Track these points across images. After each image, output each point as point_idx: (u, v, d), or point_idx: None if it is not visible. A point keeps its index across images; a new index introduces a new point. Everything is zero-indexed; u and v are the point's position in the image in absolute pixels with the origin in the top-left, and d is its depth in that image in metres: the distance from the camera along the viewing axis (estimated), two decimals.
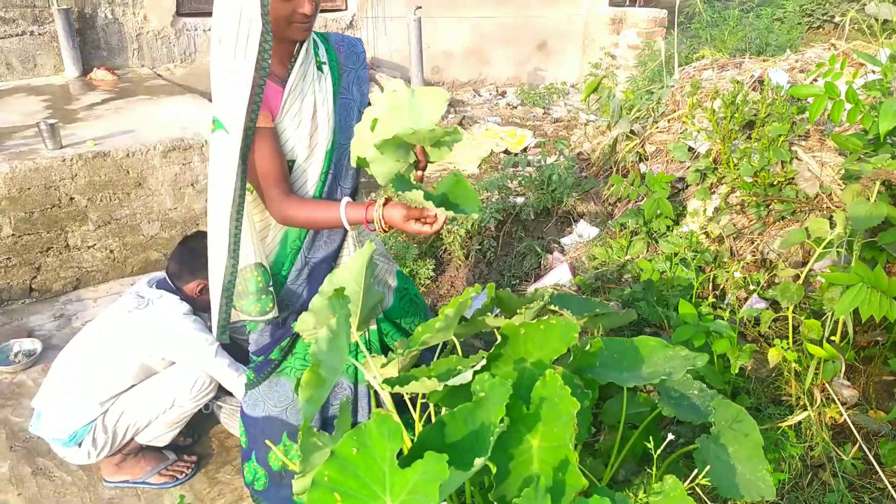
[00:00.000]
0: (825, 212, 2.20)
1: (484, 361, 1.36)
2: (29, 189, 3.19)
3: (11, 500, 2.25)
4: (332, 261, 1.86)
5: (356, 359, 1.88)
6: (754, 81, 2.74)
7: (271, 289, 1.80)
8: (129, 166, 3.41)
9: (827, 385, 1.84)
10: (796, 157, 2.37)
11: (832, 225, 1.88)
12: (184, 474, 2.36)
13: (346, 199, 1.65)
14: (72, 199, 3.31)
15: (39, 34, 4.88)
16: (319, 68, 1.72)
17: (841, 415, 1.81)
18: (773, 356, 1.89)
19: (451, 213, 1.55)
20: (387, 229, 1.60)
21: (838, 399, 1.83)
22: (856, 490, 1.73)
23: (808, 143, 2.43)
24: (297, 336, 1.89)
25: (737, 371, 1.98)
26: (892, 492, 1.66)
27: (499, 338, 1.44)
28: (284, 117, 1.65)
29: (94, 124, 3.77)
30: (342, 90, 1.75)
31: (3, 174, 3.11)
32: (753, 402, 1.98)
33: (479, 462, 1.11)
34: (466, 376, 1.28)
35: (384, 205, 1.58)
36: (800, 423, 1.86)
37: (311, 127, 1.69)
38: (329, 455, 1.14)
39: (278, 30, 1.54)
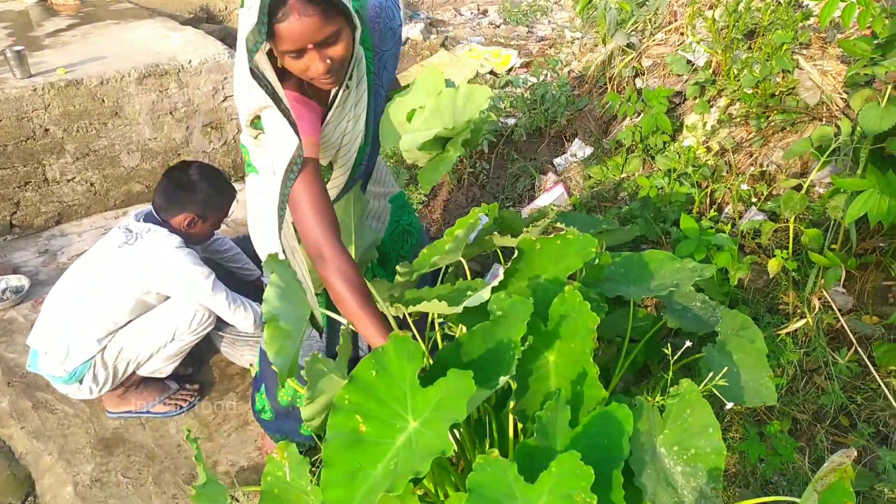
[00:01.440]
0: (826, 122, 2.18)
1: (501, 277, 1.35)
2: (0, 121, 3.04)
3: (15, 434, 2.26)
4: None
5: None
6: None
7: None
8: (104, 95, 3.25)
9: (825, 292, 1.87)
10: (798, 67, 2.32)
11: (836, 133, 1.86)
12: (187, 402, 2.38)
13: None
14: (46, 130, 3.18)
15: None
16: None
17: (837, 320, 1.85)
18: (773, 266, 1.91)
19: None
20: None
21: (835, 305, 1.87)
22: (849, 391, 1.79)
23: (810, 52, 2.37)
24: None
25: (735, 283, 2.00)
26: (885, 390, 1.71)
27: (515, 252, 1.42)
28: (326, 127, 1.49)
29: (62, 51, 3.57)
30: (374, 77, 1.60)
31: None
32: (751, 312, 2.01)
33: (502, 379, 1.11)
34: (484, 295, 1.26)
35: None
36: (796, 330, 1.90)
37: (354, 132, 1.56)
38: (349, 379, 1.13)
39: (303, 78, 1.38)
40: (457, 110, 1.55)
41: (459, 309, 1.26)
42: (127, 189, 3.53)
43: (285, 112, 1.35)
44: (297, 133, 1.35)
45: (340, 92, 1.47)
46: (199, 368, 2.54)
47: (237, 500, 2.02)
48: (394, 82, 1.78)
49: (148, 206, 2.29)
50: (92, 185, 3.42)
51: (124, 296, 2.15)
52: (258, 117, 1.42)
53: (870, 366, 1.71)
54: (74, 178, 3.35)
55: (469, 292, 1.36)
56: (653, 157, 2.62)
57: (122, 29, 4.02)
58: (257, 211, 1.75)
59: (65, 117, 3.19)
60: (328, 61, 1.32)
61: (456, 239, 1.57)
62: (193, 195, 2.21)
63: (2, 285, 2.90)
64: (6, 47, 3.13)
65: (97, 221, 3.42)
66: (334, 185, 1.65)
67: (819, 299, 1.86)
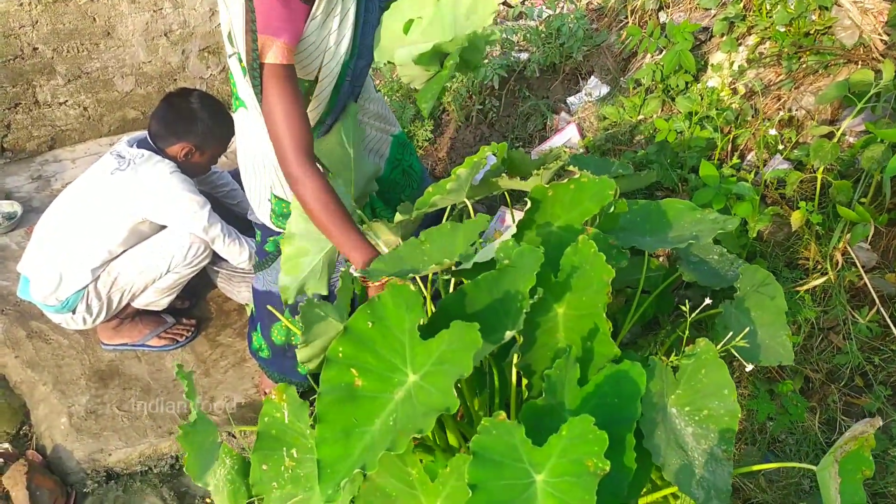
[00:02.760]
0: (863, 65, 2.03)
1: (514, 230, 1.26)
2: None
3: (10, 363, 2.23)
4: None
5: None
6: None
7: None
8: (95, 13, 3.08)
9: (849, 248, 1.78)
10: (836, 3, 2.15)
11: (877, 78, 1.73)
12: (184, 337, 2.33)
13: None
14: (35, 49, 3.02)
15: None
16: None
17: (860, 278, 1.76)
18: (797, 219, 1.81)
19: None
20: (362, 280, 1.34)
21: (858, 262, 1.78)
22: (866, 352, 1.73)
23: None
24: None
25: (755, 235, 1.91)
26: None
27: (529, 203, 1.33)
28: (307, 38, 1.38)
29: None
30: None
31: None
32: (769, 266, 1.93)
33: (509, 333, 1.04)
34: (495, 248, 1.18)
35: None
36: (816, 286, 1.82)
37: (335, 49, 1.43)
38: (342, 331, 1.06)
39: None
40: (458, 22, 1.41)
41: (469, 265, 1.17)
42: (122, 115, 3.40)
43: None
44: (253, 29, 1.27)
45: None
46: (195, 303, 2.49)
47: (234, 437, 2.00)
48: None
49: (143, 132, 2.18)
50: (85, 109, 3.28)
51: (118, 224, 2.07)
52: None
53: (891, 326, 1.64)
54: (67, 101, 3.21)
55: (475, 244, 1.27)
56: (673, 99, 2.48)
57: None
58: (246, 147, 1.64)
59: (54, 36, 3.03)
60: None
61: (459, 178, 1.47)
62: (193, 125, 2.10)
63: None
64: None
65: (91, 148, 3.31)
66: (317, 102, 1.53)
67: (842, 255, 1.77)
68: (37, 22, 2.97)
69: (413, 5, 1.46)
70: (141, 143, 2.13)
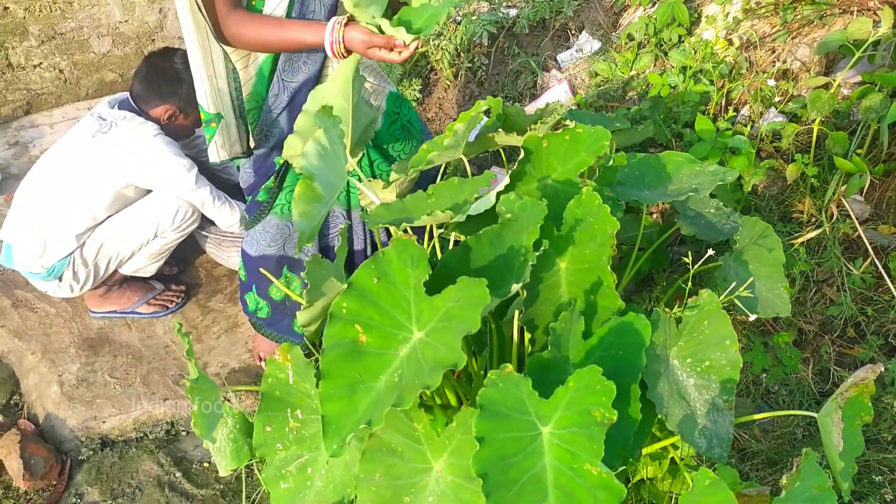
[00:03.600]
0: (859, 14, 2.01)
1: (507, 181, 1.24)
2: None
3: None
4: (313, 83, 1.63)
5: (348, 183, 1.74)
6: None
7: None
8: None
9: (843, 200, 1.78)
10: None
11: (875, 25, 1.70)
12: (174, 303, 2.30)
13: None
14: (6, 8, 2.90)
15: None
16: None
17: (854, 230, 1.77)
18: (792, 172, 1.81)
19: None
20: (345, 54, 1.40)
21: (853, 214, 1.79)
22: (859, 303, 1.74)
23: None
24: (286, 169, 1.72)
25: (749, 189, 1.90)
26: None
27: (521, 153, 1.30)
28: None
29: None
30: None
31: None
32: (763, 219, 1.93)
33: (515, 287, 1.02)
34: (490, 199, 1.16)
35: (345, 24, 1.37)
36: (810, 239, 1.83)
37: None
38: (346, 286, 1.04)
39: None
40: None
41: (462, 218, 1.15)
42: (99, 77, 3.29)
43: None
44: None
45: None
46: (184, 269, 2.45)
47: (229, 401, 1.99)
48: None
49: (124, 94, 2.11)
50: (61, 71, 3.17)
51: (101, 189, 2.01)
52: None
53: (885, 276, 1.65)
54: (41, 63, 3.10)
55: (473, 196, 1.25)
56: (666, 53, 2.44)
57: None
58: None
59: None
60: None
61: (455, 134, 1.44)
62: (177, 86, 2.03)
63: None
64: None
65: (69, 112, 3.21)
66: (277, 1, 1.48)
67: (837, 207, 1.77)
68: None
69: None
70: (122, 105, 2.06)
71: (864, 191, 1.77)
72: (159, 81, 2.03)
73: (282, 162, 1.68)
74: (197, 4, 1.38)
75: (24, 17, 2.96)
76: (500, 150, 1.71)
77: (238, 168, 1.83)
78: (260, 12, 1.46)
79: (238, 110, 1.58)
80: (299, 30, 1.42)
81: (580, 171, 1.28)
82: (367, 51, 1.37)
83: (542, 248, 1.06)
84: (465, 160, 1.57)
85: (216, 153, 1.63)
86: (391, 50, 1.36)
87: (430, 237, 1.49)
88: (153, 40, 3.34)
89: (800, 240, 1.78)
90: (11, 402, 2.06)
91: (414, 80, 3.19)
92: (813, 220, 1.83)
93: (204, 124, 1.59)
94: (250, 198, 1.82)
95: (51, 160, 2.08)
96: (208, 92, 1.53)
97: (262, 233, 1.83)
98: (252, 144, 1.68)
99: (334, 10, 1.55)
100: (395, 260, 1.05)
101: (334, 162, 1.29)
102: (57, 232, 2.00)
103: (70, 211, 2.00)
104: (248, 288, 1.95)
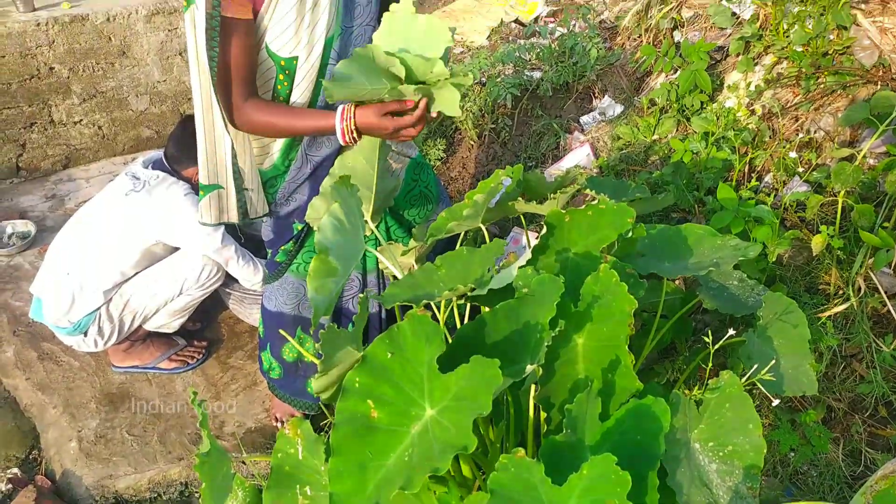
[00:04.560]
0: (882, 85, 2.00)
1: (529, 255, 1.24)
2: (3, 57, 2.92)
3: (20, 385, 2.22)
4: (336, 156, 1.65)
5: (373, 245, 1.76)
6: None
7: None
8: (111, 32, 3.11)
9: (872, 273, 1.74)
10: (855, 23, 2.13)
11: None
12: (195, 359, 2.32)
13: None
14: (52, 68, 3.05)
15: None
16: None
17: (883, 304, 1.72)
18: (817, 243, 1.78)
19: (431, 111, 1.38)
20: (357, 138, 1.42)
21: (881, 288, 1.74)
22: (891, 381, 1.68)
23: (869, 7, 2.17)
24: (307, 232, 1.75)
25: (774, 259, 1.87)
26: None
27: (544, 227, 1.30)
28: (279, 5, 1.35)
29: None
30: None
31: None
32: (789, 290, 1.89)
33: (529, 368, 1.01)
34: (512, 273, 1.16)
35: (355, 108, 1.40)
36: (837, 313, 1.78)
37: (312, 17, 1.40)
38: (360, 360, 1.04)
39: None
40: (410, 41, 1.36)
41: (483, 291, 1.15)
42: (136, 133, 3.42)
43: None
44: None
45: None
46: (207, 324, 2.47)
47: (244, 464, 1.98)
48: None
49: (158, 153, 2.19)
50: (100, 128, 3.30)
51: (131, 246, 2.07)
52: None
53: None
54: (81, 120, 3.23)
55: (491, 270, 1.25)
56: (688, 119, 2.45)
57: None
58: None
59: (70, 55, 3.06)
60: None
61: (475, 204, 1.45)
62: None
63: (8, 230, 2.83)
64: None
65: (105, 166, 3.33)
66: (302, 85, 1.49)
67: (864, 281, 1.73)
68: (53, 42, 3.00)
69: (386, 19, 1.41)
70: (156, 165, 2.13)
71: (893, 264, 1.73)
72: (192, 144, 2.09)
73: (300, 227, 1.70)
74: (211, 91, 1.39)
75: (69, 77, 3.10)
76: (521, 214, 1.72)
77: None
78: (286, 97, 1.49)
79: (238, 185, 1.57)
80: (310, 119, 1.44)
81: (602, 245, 1.28)
82: (381, 119, 1.37)
83: (557, 329, 1.05)
84: (483, 228, 1.58)
85: (206, 215, 1.61)
86: (404, 115, 1.36)
87: (448, 303, 1.49)
88: (189, 99, 3.47)
89: (827, 313, 1.73)
90: (30, 456, 2.07)
91: (438, 139, 3.25)
92: (840, 292, 1.79)
93: (200, 189, 1.60)
94: (270, 252, 1.84)
95: (85, 216, 2.14)
96: (205, 164, 1.54)
97: (279, 290, 1.85)
98: (269, 209, 1.69)
99: None
100: (410, 335, 1.05)
101: (351, 233, 1.30)
102: (85, 287, 2.05)
103: (100, 266, 2.05)
104: (264, 346, 1.96)
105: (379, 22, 1.47)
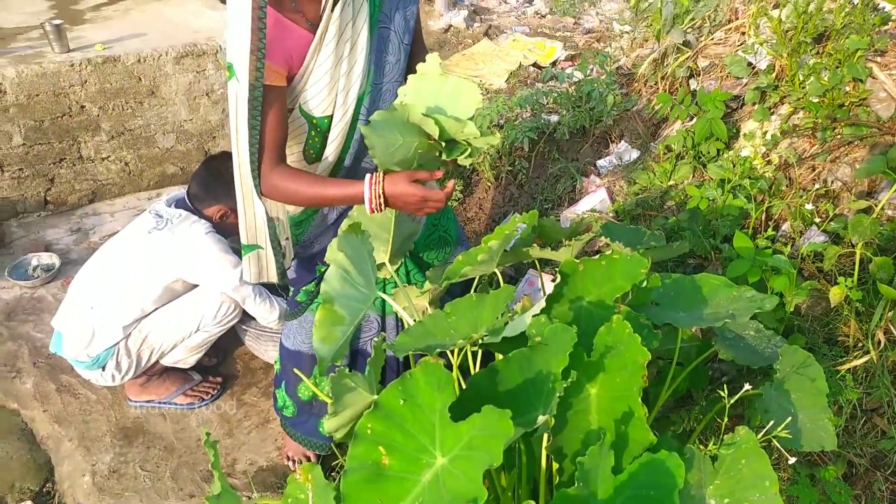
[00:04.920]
0: None
1: (543, 304, 1.25)
2: (38, 96, 3.02)
3: (38, 417, 2.24)
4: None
5: (384, 290, 1.77)
6: None
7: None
8: (141, 73, 3.21)
9: (892, 326, 1.72)
10: (871, 76, 2.14)
11: None
12: (209, 395, 2.33)
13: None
14: (83, 107, 3.15)
15: None
16: None
17: None
18: (836, 295, 1.76)
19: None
20: (383, 207, 1.39)
21: None
22: None
23: (885, 60, 2.19)
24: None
25: (791, 309, 1.86)
26: None
27: (557, 277, 1.31)
28: (314, 71, 1.38)
29: (102, 26, 3.54)
30: (381, 18, 1.46)
31: (9, 79, 2.94)
32: (807, 341, 1.87)
33: (541, 419, 1.01)
34: (524, 322, 1.16)
35: (383, 177, 1.37)
36: (857, 366, 1.75)
37: (346, 81, 1.43)
38: (373, 406, 1.04)
39: None
40: (440, 101, 1.39)
41: (497, 339, 1.16)
42: (161, 170, 3.50)
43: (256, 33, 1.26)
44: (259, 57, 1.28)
45: (332, 5, 1.33)
46: (222, 360, 2.49)
47: None
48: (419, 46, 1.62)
49: (181, 191, 2.24)
50: (126, 164, 3.39)
51: (152, 283, 2.11)
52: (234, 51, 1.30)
53: None
54: (109, 156, 3.32)
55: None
56: (704, 166, 2.47)
57: (162, 5, 3.98)
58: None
59: (101, 94, 3.16)
60: None
61: (490, 250, 1.47)
62: (230, 188, 2.13)
63: (33, 262, 2.90)
64: (46, 20, 3.10)
65: (130, 201, 3.40)
66: (334, 143, 1.51)
67: (885, 333, 1.71)
68: (86, 81, 3.11)
69: (412, 78, 1.45)
70: (179, 203, 2.18)
71: None
72: (214, 183, 2.15)
73: (323, 269, 1.73)
74: (249, 158, 1.40)
75: (98, 115, 3.20)
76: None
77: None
78: (318, 152, 1.50)
79: (275, 248, 1.58)
80: (337, 188, 1.41)
81: (616, 295, 1.28)
82: (410, 187, 1.34)
83: (570, 380, 1.05)
84: (497, 273, 1.59)
85: (246, 275, 1.63)
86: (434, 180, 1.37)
87: (461, 348, 1.50)
88: (214, 137, 3.56)
89: (846, 366, 1.71)
90: (45, 489, 2.08)
91: (456, 180, 3.29)
92: (860, 344, 1.77)
93: (242, 248, 1.63)
94: (292, 291, 1.87)
95: (109, 252, 2.19)
96: (244, 225, 1.56)
97: (298, 329, 1.87)
98: (295, 251, 1.72)
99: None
100: (423, 383, 1.06)
101: (360, 281, 1.32)
102: (105, 322, 2.08)
103: (120, 302, 2.09)
104: (279, 383, 1.97)
105: (405, 78, 1.52)
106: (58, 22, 3.08)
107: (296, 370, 1.82)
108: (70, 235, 3.15)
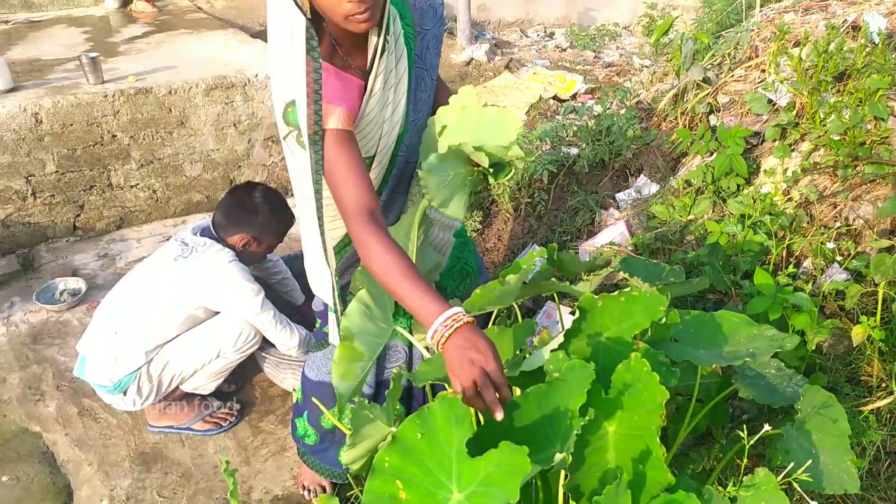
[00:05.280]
0: None
1: (561, 339, 1.25)
2: (71, 125, 3.12)
3: (59, 441, 2.27)
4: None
5: (408, 321, 1.79)
6: (847, 27, 2.47)
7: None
8: (172, 104, 3.31)
9: None
10: (892, 114, 2.14)
11: None
12: (227, 422, 2.35)
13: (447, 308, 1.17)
14: (114, 136, 3.25)
15: None
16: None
17: None
18: (858, 334, 1.75)
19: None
20: (441, 344, 1.14)
21: None
22: None
23: None
24: None
25: (813, 347, 1.84)
26: None
27: (576, 312, 1.32)
28: (365, 117, 1.42)
29: (136, 59, 3.67)
30: (416, 59, 1.51)
31: (46, 109, 3.05)
32: (830, 380, 1.85)
33: (558, 456, 1.01)
34: (542, 356, 1.17)
35: (460, 325, 1.14)
36: (880, 406, 1.73)
37: (389, 125, 1.47)
38: (391, 440, 1.05)
39: (336, 18, 1.26)
40: (482, 132, 1.44)
41: (515, 373, 1.17)
42: (187, 198, 3.58)
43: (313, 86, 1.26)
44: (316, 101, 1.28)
45: (380, 54, 1.36)
46: (241, 387, 2.51)
47: None
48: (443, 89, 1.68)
49: (206, 220, 2.29)
50: (154, 192, 3.47)
51: (175, 309, 2.15)
52: (293, 104, 1.31)
53: None
54: (138, 184, 3.41)
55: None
56: (724, 201, 2.47)
57: (194, 39, 4.11)
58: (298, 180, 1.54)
59: (132, 124, 3.26)
60: None
61: (508, 284, 1.48)
62: (254, 217, 2.20)
63: (60, 286, 2.96)
64: (83, 53, 3.22)
65: (156, 228, 3.47)
66: (374, 182, 1.54)
67: None
68: (118, 112, 3.20)
69: (450, 111, 1.50)
70: (204, 232, 2.23)
71: None
72: (238, 212, 2.20)
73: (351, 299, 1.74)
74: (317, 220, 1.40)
75: (129, 144, 3.30)
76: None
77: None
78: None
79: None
80: (415, 298, 1.19)
81: (634, 332, 1.29)
82: (481, 340, 1.11)
83: (588, 417, 1.05)
84: (515, 306, 1.60)
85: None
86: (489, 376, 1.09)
87: None
88: (239, 166, 3.64)
89: (869, 407, 1.69)
90: None
91: (475, 211, 3.32)
92: (883, 385, 1.74)
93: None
94: (319, 323, 1.89)
95: (136, 279, 2.24)
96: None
97: (322, 360, 1.88)
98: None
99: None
100: (441, 417, 1.07)
101: (380, 316, 1.33)
102: (129, 347, 2.12)
103: (144, 328, 2.13)
104: (300, 412, 1.98)
105: (433, 111, 1.56)
106: (93, 55, 3.19)
107: (315, 400, 1.83)
108: (97, 261, 3.22)
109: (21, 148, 3.06)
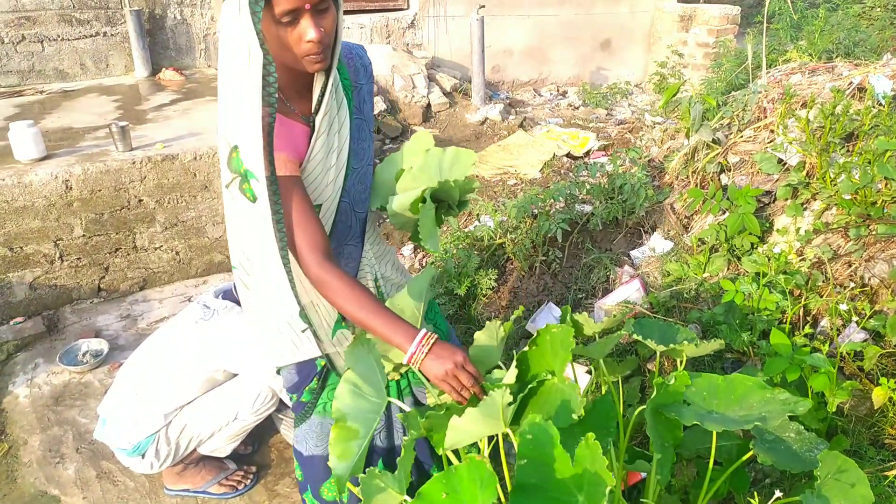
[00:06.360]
0: None
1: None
2: (100, 191, 3.24)
3: None
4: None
5: (401, 389, 1.78)
6: (853, 89, 2.53)
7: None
8: (196, 169, 3.43)
9: None
10: None
11: None
12: (243, 485, 2.34)
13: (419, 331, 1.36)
14: (140, 200, 3.36)
15: (112, 35, 5.01)
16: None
17: None
18: (879, 396, 1.73)
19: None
20: (419, 361, 1.35)
21: None
22: None
23: None
24: (329, 369, 1.73)
25: (834, 409, 1.81)
26: None
27: (591, 371, 1.33)
28: (311, 162, 1.46)
29: (163, 125, 3.82)
30: (355, 110, 1.58)
31: (76, 176, 3.18)
32: (852, 443, 1.81)
33: None
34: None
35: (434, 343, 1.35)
36: None
37: (335, 171, 1.51)
38: (416, 496, 1.06)
39: (288, 60, 1.33)
40: (443, 170, 1.60)
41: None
42: (209, 258, 3.66)
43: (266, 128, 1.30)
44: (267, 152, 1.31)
45: (326, 97, 1.42)
46: (257, 448, 2.51)
47: None
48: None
49: (228, 283, 2.34)
50: (177, 253, 3.56)
51: (196, 372, 2.17)
52: (236, 149, 1.33)
53: None
54: (161, 246, 3.50)
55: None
56: (738, 259, 2.48)
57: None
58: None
59: (158, 189, 3.37)
60: (321, 29, 1.28)
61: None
62: None
63: (83, 348, 3.01)
64: (113, 121, 3.37)
65: (178, 288, 3.55)
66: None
67: None
68: (145, 177, 3.33)
69: (405, 159, 1.65)
70: (226, 295, 2.28)
71: None
72: None
73: (323, 364, 1.69)
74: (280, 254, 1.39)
75: (154, 208, 3.40)
76: None
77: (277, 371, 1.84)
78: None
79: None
80: (386, 327, 1.36)
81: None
82: (456, 351, 1.36)
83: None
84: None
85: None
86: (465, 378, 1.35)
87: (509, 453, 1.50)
88: None
89: (894, 471, 1.65)
90: None
91: (490, 269, 3.35)
92: None
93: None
94: (294, 397, 1.80)
95: (156, 341, 2.28)
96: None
97: (308, 433, 1.80)
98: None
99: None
100: (466, 479, 1.08)
101: (371, 390, 1.35)
102: (148, 410, 2.14)
103: (164, 391, 2.16)
104: (304, 488, 1.94)
105: (372, 162, 1.68)
106: (123, 124, 3.34)
107: (306, 480, 1.81)
108: (119, 321, 3.28)
109: (51, 213, 3.18)
